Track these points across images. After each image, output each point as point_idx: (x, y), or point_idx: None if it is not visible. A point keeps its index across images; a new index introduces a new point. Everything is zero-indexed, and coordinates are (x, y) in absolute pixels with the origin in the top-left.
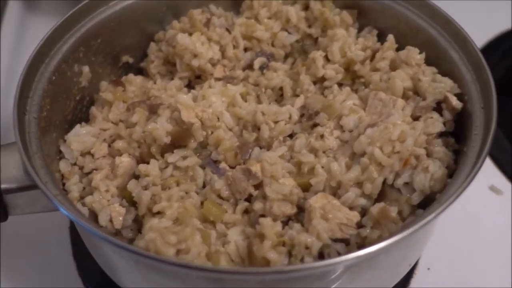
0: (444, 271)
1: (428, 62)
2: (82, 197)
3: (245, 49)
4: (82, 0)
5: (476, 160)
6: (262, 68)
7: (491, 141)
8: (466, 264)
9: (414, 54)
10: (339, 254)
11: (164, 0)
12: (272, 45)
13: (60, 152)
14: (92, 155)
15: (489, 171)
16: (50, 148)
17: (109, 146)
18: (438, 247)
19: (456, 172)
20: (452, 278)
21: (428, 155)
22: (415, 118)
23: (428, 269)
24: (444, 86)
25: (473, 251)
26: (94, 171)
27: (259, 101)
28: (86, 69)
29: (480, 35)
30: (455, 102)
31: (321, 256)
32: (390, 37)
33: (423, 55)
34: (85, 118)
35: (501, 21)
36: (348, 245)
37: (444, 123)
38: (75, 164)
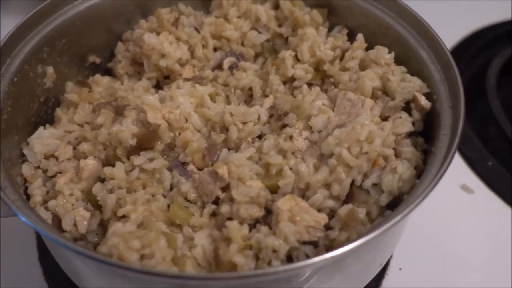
0: (416, 271)
1: (398, 61)
2: (45, 201)
3: (215, 49)
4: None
5: (443, 160)
6: (231, 68)
7: (458, 141)
8: (437, 264)
9: (383, 54)
10: (308, 256)
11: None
12: (242, 44)
13: (23, 155)
14: (57, 158)
15: (460, 170)
16: (11, 151)
17: (74, 148)
18: (410, 247)
19: (424, 173)
20: (423, 277)
21: (397, 155)
22: (384, 118)
23: (400, 269)
24: (413, 86)
25: (445, 250)
26: (58, 174)
27: (228, 102)
28: (50, 69)
29: (452, 34)
30: (423, 101)
31: (289, 259)
32: (360, 36)
33: (392, 55)
34: (51, 120)
35: (473, 21)
36: (317, 247)
37: (413, 123)
38: (38, 167)
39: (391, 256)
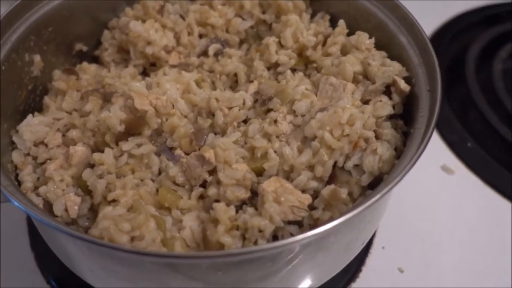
0: (398, 250)
1: (378, 45)
2: (36, 188)
3: (200, 36)
4: None
5: (421, 141)
6: (217, 54)
7: (435, 123)
8: (419, 242)
9: (364, 39)
10: (292, 235)
11: None
12: (227, 31)
13: (13, 143)
14: (46, 145)
15: (441, 151)
16: (1, 139)
17: (63, 135)
18: (392, 227)
19: (403, 154)
20: (406, 255)
21: (378, 137)
22: (365, 102)
23: (383, 247)
24: (393, 70)
25: (426, 229)
26: (48, 161)
27: (214, 88)
28: (37, 58)
29: (433, 19)
30: (403, 85)
31: (275, 238)
32: (341, 22)
33: (372, 40)
34: (39, 108)
35: (453, 6)
36: (302, 227)
37: (393, 106)
38: (28, 154)
39: (374, 236)
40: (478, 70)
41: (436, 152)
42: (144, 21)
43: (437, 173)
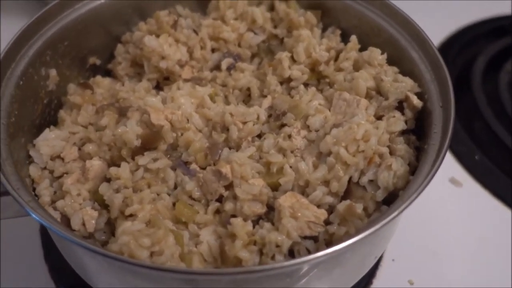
0: (408, 262)
1: (390, 61)
2: (53, 201)
3: (212, 50)
4: (45, 2)
5: (436, 158)
6: (229, 68)
7: (449, 140)
8: (429, 255)
9: (376, 55)
10: (308, 250)
11: (130, 1)
12: (239, 45)
13: (30, 157)
14: (62, 159)
15: (449, 164)
16: (19, 153)
17: (79, 149)
18: (402, 239)
19: (417, 170)
20: (415, 268)
21: (391, 153)
22: (378, 117)
23: (393, 260)
24: (405, 86)
25: (435, 241)
26: (65, 175)
27: (227, 102)
28: (53, 72)
29: (439, 31)
30: (415, 101)
31: (291, 253)
32: (353, 38)
33: (385, 56)
34: (54, 121)
35: (459, 18)
36: (317, 241)
37: (406, 122)
38: (45, 168)
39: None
40: (484, 82)
41: (445, 164)
42: (157, 35)
43: (446, 186)
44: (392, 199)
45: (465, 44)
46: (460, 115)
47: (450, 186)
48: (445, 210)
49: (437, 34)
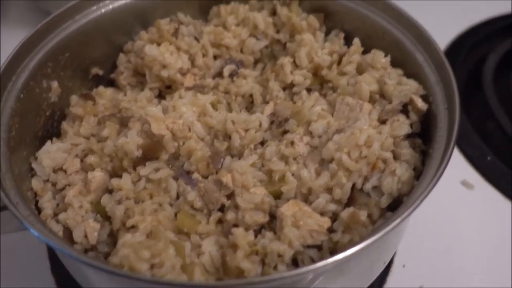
0: (420, 267)
1: (394, 63)
2: (56, 214)
3: (215, 57)
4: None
5: (441, 162)
6: (232, 75)
7: (454, 143)
8: (440, 259)
9: (379, 57)
10: (312, 259)
11: (131, 10)
12: (241, 51)
13: (32, 169)
14: (65, 171)
15: (460, 166)
16: (21, 166)
17: (81, 161)
18: (412, 244)
19: (422, 175)
20: (427, 273)
21: (396, 157)
22: (382, 121)
23: (404, 266)
24: (410, 89)
25: (447, 246)
26: (67, 187)
27: (230, 109)
28: (55, 84)
29: (449, 30)
30: (420, 104)
31: (294, 262)
32: (356, 41)
33: (388, 58)
34: (57, 133)
35: (469, 16)
36: (321, 250)
37: (411, 125)
38: (47, 180)
39: (394, 254)
40: (496, 81)
41: (456, 166)
42: (159, 44)
43: (457, 188)
44: (397, 205)
45: (476, 43)
46: (471, 116)
47: (462, 189)
48: (457, 213)
49: (446, 34)
